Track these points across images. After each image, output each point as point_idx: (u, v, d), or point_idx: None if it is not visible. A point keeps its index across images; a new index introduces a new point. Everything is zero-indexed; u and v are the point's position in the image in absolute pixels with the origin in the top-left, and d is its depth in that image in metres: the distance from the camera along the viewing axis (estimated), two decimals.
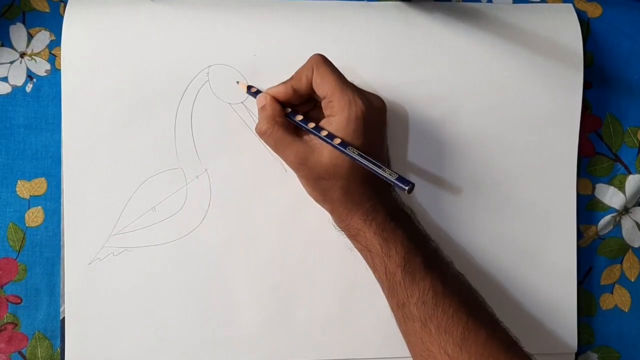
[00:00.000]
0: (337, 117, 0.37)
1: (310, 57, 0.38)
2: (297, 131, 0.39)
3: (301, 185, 0.40)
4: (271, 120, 0.38)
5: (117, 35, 0.43)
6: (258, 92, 0.41)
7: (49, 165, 0.44)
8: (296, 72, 0.39)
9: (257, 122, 0.39)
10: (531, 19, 0.45)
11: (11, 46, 0.44)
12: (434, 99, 0.44)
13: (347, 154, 0.36)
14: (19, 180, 0.44)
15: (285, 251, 0.44)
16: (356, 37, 0.44)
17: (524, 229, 0.45)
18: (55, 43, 0.44)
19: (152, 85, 0.43)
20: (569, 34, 0.45)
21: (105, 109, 0.43)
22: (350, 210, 0.38)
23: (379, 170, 0.36)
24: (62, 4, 0.44)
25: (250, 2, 0.44)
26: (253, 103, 0.43)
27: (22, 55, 0.44)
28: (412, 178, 0.44)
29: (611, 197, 0.47)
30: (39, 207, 0.44)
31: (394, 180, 0.35)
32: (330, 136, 0.37)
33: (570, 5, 0.47)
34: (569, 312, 0.45)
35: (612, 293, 0.47)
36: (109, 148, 0.43)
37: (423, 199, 0.45)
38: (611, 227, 0.47)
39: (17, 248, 0.43)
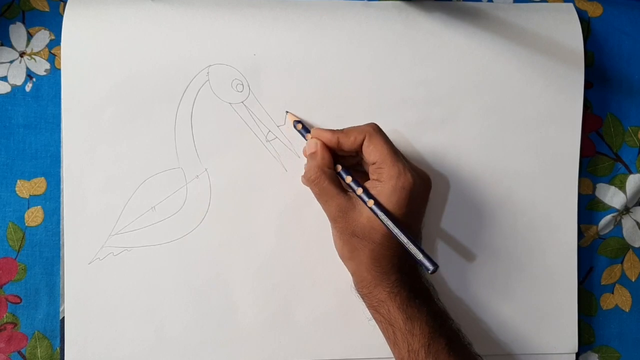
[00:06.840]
0: (384, 184, 0.37)
1: (366, 124, 0.39)
2: (339, 183, 0.39)
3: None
4: (320, 170, 0.38)
5: (117, 35, 0.43)
6: (304, 128, 0.42)
7: (49, 164, 0.44)
8: (347, 128, 0.39)
9: (304, 169, 0.40)
10: (532, 18, 0.45)
11: (11, 45, 0.44)
12: (434, 99, 0.44)
13: (379, 218, 0.36)
14: (18, 180, 0.43)
15: (285, 251, 0.44)
16: (356, 36, 0.44)
17: (525, 228, 0.45)
18: (55, 42, 0.44)
19: (152, 84, 0.43)
20: (569, 33, 0.45)
21: (105, 108, 0.43)
22: (375, 278, 0.38)
23: (406, 243, 0.36)
24: (61, 3, 0.44)
25: (250, 2, 0.44)
26: (253, 103, 0.43)
27: (22, 54, 0.44)
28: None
29: (612, 196, 0.47)
30: (39, 206, 0.44)
31: (419, 258, 0.36)
32: (369, 195, 0.37)
33: (571, 4, 0.47)
34: (569, 312, 0.45)
35: (612, 293, 0.47)
36: (109, 148, 0.43)
37: None
38: (612, 226, 0.47)
39: (17, 248, 0.43)
